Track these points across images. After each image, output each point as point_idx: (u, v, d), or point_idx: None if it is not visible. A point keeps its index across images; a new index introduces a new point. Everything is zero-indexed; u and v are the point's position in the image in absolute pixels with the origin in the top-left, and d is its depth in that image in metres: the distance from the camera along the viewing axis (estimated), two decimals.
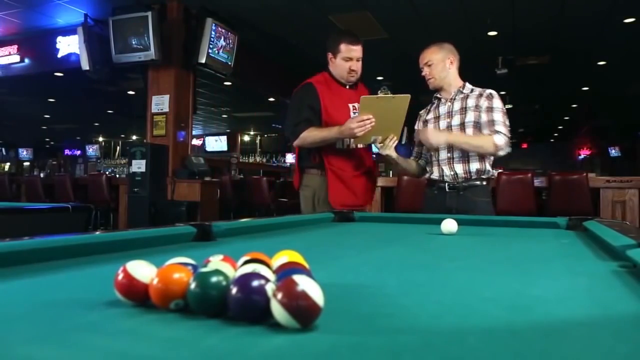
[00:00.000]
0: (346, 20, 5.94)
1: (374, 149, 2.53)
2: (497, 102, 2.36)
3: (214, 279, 0.52)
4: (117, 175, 8.33)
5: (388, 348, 0.44)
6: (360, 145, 2.48)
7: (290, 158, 14.62)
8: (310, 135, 2.43)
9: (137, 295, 0.56)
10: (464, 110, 2.38)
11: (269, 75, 8.03)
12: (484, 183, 2.38)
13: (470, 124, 2.35)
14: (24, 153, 18.50)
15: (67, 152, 18.47)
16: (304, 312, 0.46)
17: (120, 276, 0.57)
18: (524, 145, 16.99)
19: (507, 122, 2.34)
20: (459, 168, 2.35)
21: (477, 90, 2.43)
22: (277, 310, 0.46)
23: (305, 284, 0.47)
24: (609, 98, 11.03)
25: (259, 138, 16.47)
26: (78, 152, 18.01)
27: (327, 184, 2.45)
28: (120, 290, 0.57)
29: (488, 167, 2.37)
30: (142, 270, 0.57)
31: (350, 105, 2.50)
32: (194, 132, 6.94)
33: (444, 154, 2.38)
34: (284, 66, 8.13)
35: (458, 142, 2.32)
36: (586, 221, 1.62)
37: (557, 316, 0.57)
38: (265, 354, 0.42)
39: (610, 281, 0.78)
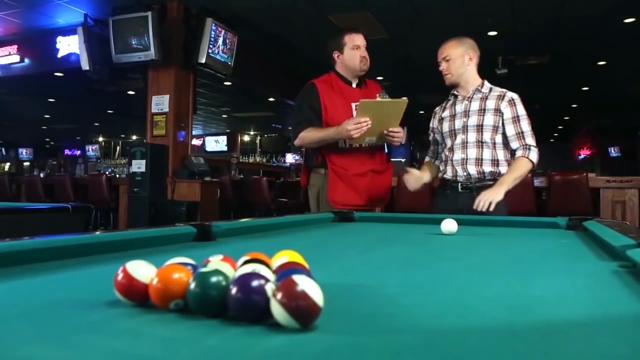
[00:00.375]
0: (346, 21, 5.93)
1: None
2: (521, 109, 2.31)
3: (213, 279, 0.52)
4: (117, 175, 8.32)
5: (388, 348, 0.44)
6: (356, 145, 2.47)
7: (290, 158, 14.62)
8: (309, 135, 2.45)
9: (137, 295, 0.56)
10: (482, 111, 2.32)
11: (269, 75, 8.02)
12: None
13: (489, 127, 2.30)
14: (24, 153, 18.50)
15: (67, 152, 18.47)
16: (304, 312, 0.46)
17: (120, 276, 0.57)
18: None
19: (530, 126, 2.30)
20: (472, 169, 2.31)
21: (497, 91, 2.37)
22: (277, 310, 0.46)
23: (305, 284, 0.47)
24: (609, 98, 11.03)
25: (259, 138, 16.47)
26: (78, 152, 18.01)
27: (328, 183, 2.46)
28: (120, 290, 0.57)
29: (502, 171, 2.31)
30: (142, 270, 0.57)
31: (353, 105, 2.48)
32: (194, 132, 6.94)
33: (458, 155, 2.35)
34: (284, 66, 8.13)
35: (511, 185, 2.22)
36: (586, 221, 1.62)
37: (557, 316, 0.57)
38: (265, 354, 0.42)
39: (610, 281, 0.78)
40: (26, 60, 7.22)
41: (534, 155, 2.26)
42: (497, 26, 6.25)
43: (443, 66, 2.38)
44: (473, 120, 2.33)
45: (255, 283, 0.49)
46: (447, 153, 2.42)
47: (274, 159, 14.99)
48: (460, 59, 2.34)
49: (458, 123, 2.37)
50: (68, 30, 6.54)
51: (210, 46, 5.68)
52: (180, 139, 5.89)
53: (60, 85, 8.81)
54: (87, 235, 1.09)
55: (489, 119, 2.30)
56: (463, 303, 0.65)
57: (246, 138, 16.50)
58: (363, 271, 0.92)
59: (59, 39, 6.73)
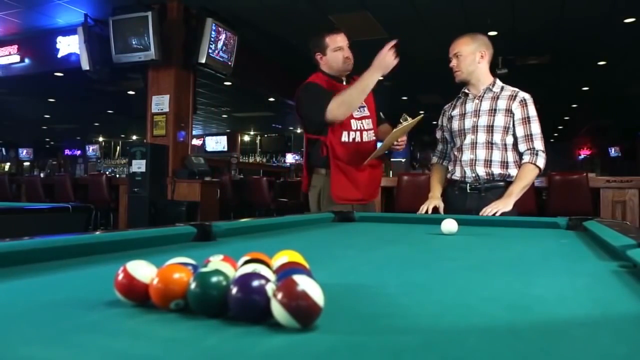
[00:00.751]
0: (346, 20, 5.94)
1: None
2: (533, 110, 2.26)
3: (214, 279, 0.52)
4: (117, 175, 8.33)
5: (388, 348, 0.44)
6: (359, 139, 2.49)
7: (290, 158, 14.63)
8: (340, 98, 2.31)
9: (137, 295, 0.56)
10: (493, 112, 2.28)
11: (269, 75, 8.03)
12: (506, 185, 2.28)
13: (500, 128, 2.26)
14: (24, 153, 18.50)
15: (67, 152, 18.47)
16: (304, 312, 0.46)
17: (120, 276, 0.57)
18: None
19: (541, 129, 2.27)
20: (481, 171, 2.28)
21: (508, 90, 2.32)
22: (277, 310, 0.46)
23: (306, 284, 0.47)
24: (609, 98, 11.04)
25: (259, 138, 16.47)
26: (78, 152, 18.01)
27: (330, 178, 2.42)
28: (120, 290, 0.57)
29: (511, 173, 2.28)
30: (142, 270, 0.57)
31: None
32: (194, 132, 6.94)
33: (466, 156, 2.31)
34: (284, 66, 8.13)
35: (520, 195, 2.21)
36: (586, 221, 1.62)
37: (557, 316, 0.57)
38: (265, 354, 0.42)
39: (610, 281, 0.78)
40: (26, 60, 7.22)
41: (541, 161, 2.23)
42: (497, 26, 6.25)
43: (453, 63, 2.33)
44: (483, 121, 2.29)
45: (255, 283, 0.49)
46: (455, 153, 2.39)
47: (274, 159, 15.00)
48: (471, 56, 2.29)
49: (468, 122, 2.33)
50: (68, 30, 6.54)
51: (210, 46, 5.68)
52: (180, 139, 5.89)
53: (60, 85, 8.81)
54: (87, 235, 1.09)
55: (500, 120, 2.26)
56: (463, 303, 0.65)
57: (246, 138, 16.50)
58: (363, 271, 0.92)
59: (59, 39, 6.74)
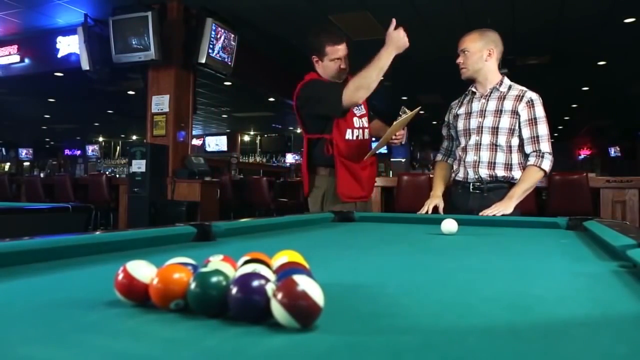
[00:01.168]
0: (346, 20, 5.94)
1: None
2: (540, 111, 2.21)
3: (214, 279, 0.52)
4: (117, 175, 8.33)
5: (388, 348, 0.43)
6: (362, 137, 2.50)
7: (290, 158, 14.62)
8: (357, 81, 2.23)
9: (137, 295, 0.56)
10: (498, 112, 2.24)
11: (269, 75, 8.03)
12: (509, 186, 2.25)
13: (505, 130, 2.22)
14: (24, 153, 18.50)
15: (67, 152, 18.48)
16: (304, 312, 0.46)
17: (120, 276, 0.57)
18: None
19: (548, 130, 2.23)
20: (484, 173, 2.26)
21: (516, 89, 2.27)
22: (277, 310, 0.46)
23: (306, 284, 0.47)
24: (609, 98, 11.04)
25: (259, 138, 16.47)
26: (78, 152, 18.02)
27: (337, 176, 2.40)
28: (120, 290, 0.57)
29: (515, 175, 2.25)
30: (142, 270, 0.57)
31: None
32: (194, 132, 6.94)
33: (470, 157, 2.29)
34: (284, 66, 8.12)
35: (522, 197, 2.19)
36: (586, 221, 1.62)
37: (557, 316, 0.57)
38: (265, 354, 0.42)
39: (610, 281, 0.78)
40: (26, 60, 7.22)
41: (546, 163, 2.20)
42: (497, 26, 6.22)
43: (460, 59, 2.27)
44: (489, 122, 2.25)
45: (255, 283, 0.49)
46: (460, 153, 2.37)
47: (274, 159, 15.00)
48: (478, 54, 2.23)
49: (473, 122, 2.29)
50: (68, 30, 6.54)
51: (210, 46, 5.68)
52: (180, 139, 5.89)
53: (60, 85, 8.81)
54: (87, 235, 1.09)
55: (505, 122, 2.22)
56: (463, 303, 0.65)
57: (246, 138, 16.51)
58: (363, 271, 0.92)
59: (59, 39, 6.74)
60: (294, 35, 6.76)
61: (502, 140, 2.24)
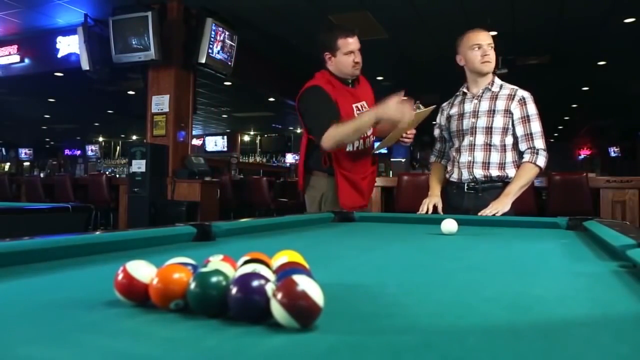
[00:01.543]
0: (346, 21, 5.94)
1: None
2: (532, 108, 2.23)
3: (214, 279, 0.52)
4: (117, 175, 8.33)
5: (388, 348, 0.43)
6: (363, 147, 2.46)
7: (290, 158, 14.62)
8: (339, 131, 2.24)
9: (137, 295, 0.56)
10: (491, 113, 2.25)
11: (269, 75, 8.03)
12: (504, 185, 2.25)
13: (499, 130, 2.23)
14: (24, 153, 18.50)
15: (67, 152, 18.48)
16: (304, 312, 0.46)
17: (120, 276, 0.57)
18: None
19: (541, 126, 2.24)
20: (479, 173, 2.27)
21: (507, 88, 2.29)
22: (277, 310, 0.46)
23: (305, 284, 0.47)
24: (609, 98, 11.04)
25: (259, 138, 16.48)
26: (78, 152, 18.02)
27: (338, 187, 2.37)
28: (120, 290, 0.57)
29: (509, 174, 2.25)
30: (142, 270, 0.57)
31: (354, 106, 2.42)
32: (194, 132, 6.94)
33: (464, 157, 2.30)
34: (284, 66, 8.13)
35: (518, 194, 2.18)
36: (586, 221, 1.62)
37: (557, 316, 0.57)
38: (265, 354, 0.42)
39: (610, 281, 0.78)
40: (26, 60, 7.22)
41: (541, 160, 2.20)
42: (497, 26, 6.25)
43: (489, 52, 2.25)
44: (482, 122, 2.26)
45: (255, 283, 0.49)
46: (454, 154, 2.37)
47: (274, 159, 15.00)
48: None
49: (466, 123, 2.31)
50: (68, 30, 6.55)
51: (210, 46, 5.68)
52: (180, 139, 5.89)
53: (60, 85, 8.81)
54: (87, 235, 1.09)
55: (499, 121, 2.24)
56: (463, 303, 0.65)
57: (246, 138, 16.51)
58: (363, 271, 0.92)
59: (59, 39, 6.74)
60: (294, 35, 6.76)
61: (496, 140, 2.25)
